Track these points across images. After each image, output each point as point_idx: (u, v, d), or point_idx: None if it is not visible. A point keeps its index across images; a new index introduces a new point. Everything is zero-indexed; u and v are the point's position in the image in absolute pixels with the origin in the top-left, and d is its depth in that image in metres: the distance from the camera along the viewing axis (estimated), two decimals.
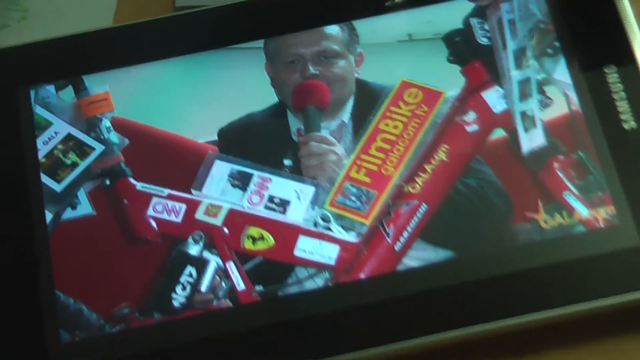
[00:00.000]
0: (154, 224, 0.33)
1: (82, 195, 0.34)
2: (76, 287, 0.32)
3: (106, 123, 0.35)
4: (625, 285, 0.30)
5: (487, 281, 0.31)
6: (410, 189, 0.32)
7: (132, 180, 0.34)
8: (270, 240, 0.32)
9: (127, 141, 0.34)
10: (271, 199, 0.33)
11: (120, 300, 0.32)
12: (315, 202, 0.33)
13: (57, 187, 0.34)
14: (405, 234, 0.32)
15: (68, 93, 0.35)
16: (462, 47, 0.34)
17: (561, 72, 0.33)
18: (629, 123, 0.33)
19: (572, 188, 0.32)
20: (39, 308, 0.32)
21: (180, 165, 0.34)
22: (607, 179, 0.32)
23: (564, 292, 0.30)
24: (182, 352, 0.31)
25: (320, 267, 0.32)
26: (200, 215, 0.33)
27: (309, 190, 0.33)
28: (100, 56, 0.36)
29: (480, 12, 0.35)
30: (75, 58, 0.36)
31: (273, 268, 0.32)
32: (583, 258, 0.31)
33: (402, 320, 0.30)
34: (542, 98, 0.33)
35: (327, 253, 0.32)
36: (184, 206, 0.33)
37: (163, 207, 0.33)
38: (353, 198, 0.33)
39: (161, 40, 0.36)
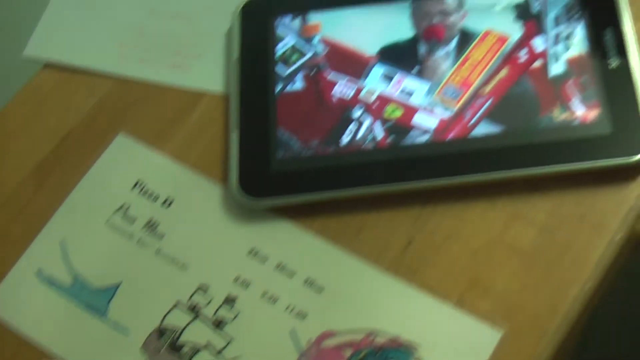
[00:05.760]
0: (335, 98, 0.59)
1: (299, 78, 0.60)
2: (290, 126, 0.59)
3: (316, 39, 0.61)
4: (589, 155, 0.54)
5: (523, 146, 0.55)
6: (484, 91, 0.57)
7: (325, 73, 0.60)
8: (400, 112, 0.58)
9: (326, 50, 0.61)
10: (403, 89, 0.59)
11: (313, 137, 0.58)
12: (428, 93, 0.58)
13: (285, 72, 0.60)
14: (477, 116, 0.57)
15: (297, 21, 0.62)
16: (524, 12, 0.59)
17: (580, 31, 0.57)
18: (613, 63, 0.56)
19: (576, 97, 0.56)
20: (268, 137, 0.59)
21: (355, 66, 0.60)
22: (598, 94, 0.55)
23: (562, 155, 0.54)
24: (343, 170, 0.57)
25: (426, 131, 0.57)
26: (362, 95, 0.59)
27: (425, 86, 0.58)
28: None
29: None
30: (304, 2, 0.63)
31: (400, 129, 0.58)
32: (576, 138, 0.55)
33: (469, 161, 0.55)
34: (566, 44, 0.57)
35: (431, 123, 0.57)
36: (354, 88, 0.59)
37: (342, 88, 0.59)
38: (450, 92, 0.58)
39: None
